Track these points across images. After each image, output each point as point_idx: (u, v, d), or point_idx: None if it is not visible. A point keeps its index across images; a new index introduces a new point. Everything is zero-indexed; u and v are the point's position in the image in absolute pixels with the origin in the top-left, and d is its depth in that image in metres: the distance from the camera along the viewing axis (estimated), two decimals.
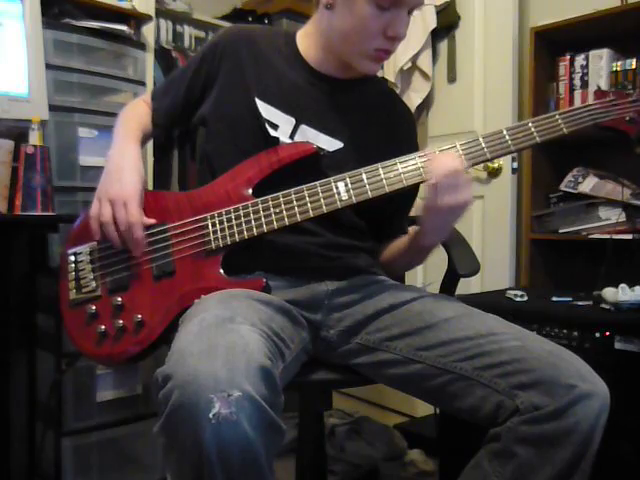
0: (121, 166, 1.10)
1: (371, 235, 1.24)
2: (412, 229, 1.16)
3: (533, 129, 1.03)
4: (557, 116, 1.04)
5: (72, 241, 1.13)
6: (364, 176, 1.03)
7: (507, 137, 1.03)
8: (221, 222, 1.05)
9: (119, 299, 1.05)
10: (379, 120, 1.22)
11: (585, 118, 1.05)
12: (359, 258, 1.17)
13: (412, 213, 1.30)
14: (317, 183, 1.04)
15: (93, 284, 1.08)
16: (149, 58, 2.09)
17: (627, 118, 1.07)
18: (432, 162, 1.00)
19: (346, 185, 1.03)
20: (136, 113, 1.25)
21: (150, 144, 2.05)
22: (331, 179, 1.04)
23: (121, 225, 1.05)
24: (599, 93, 1.08)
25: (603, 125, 1.07)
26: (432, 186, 0.98)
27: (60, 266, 1.12)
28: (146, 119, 1.25)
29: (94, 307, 1.06)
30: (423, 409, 2.35)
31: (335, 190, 1.03)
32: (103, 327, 1.04)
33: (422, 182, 1.04)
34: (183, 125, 1.31)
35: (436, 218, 1.02)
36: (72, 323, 1.09)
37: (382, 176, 1.03)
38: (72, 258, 1.11)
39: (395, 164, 1.04)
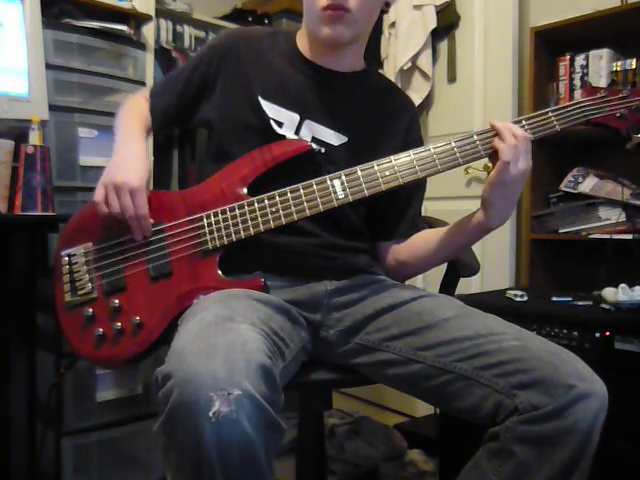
0: (127, 157, 1.08)
1: (382, 236, 1.23)
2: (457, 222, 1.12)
3: (527, 127, 1.03)
4: (550, 113, 1.05)
5: (65, 242, 1.11)
6: (360, 174, 1.03)
7: None
8: (217, 222, 1.05)
9: (116, 301, 1.04)
10: (381, 113, 1.21)
11: (577, 115, 1.05)
12: (358, 258, 1.17)
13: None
14: (313, 181, 1.03)
15: (89, 286, 1.06)
16: (149, 58, 2.09)
17: (618, 114, 1.07)
18: (503, 131, 0.99)
19: (342, 183, 1.02)
20: (137, 108, 1.24)
21: (150, 144, 2.05)
22: (327, 177, 1.03)
23: (127, 211, 1.03)
24: (589, 89, 1.08)
25: (595, 122, 1.07)
26: (512, 148, 0.97)
27: (54, 268, 1.10)
28: (147, 115, 1.24)
29: (91, 310, 1.04)
30: (423, 409, 2.35)
31: (331, 189, 1.03)
32: (101, 330, 1.03)
33: (417, 180, 1.03)
34: (180, 125, 1.32)
35: (506, 190, 1.00)
36: (69, 326, 1.07)
37: (378, 174, 1.02)
38: (66, 259, 1.09)
39: (390, 161, 1.03)
